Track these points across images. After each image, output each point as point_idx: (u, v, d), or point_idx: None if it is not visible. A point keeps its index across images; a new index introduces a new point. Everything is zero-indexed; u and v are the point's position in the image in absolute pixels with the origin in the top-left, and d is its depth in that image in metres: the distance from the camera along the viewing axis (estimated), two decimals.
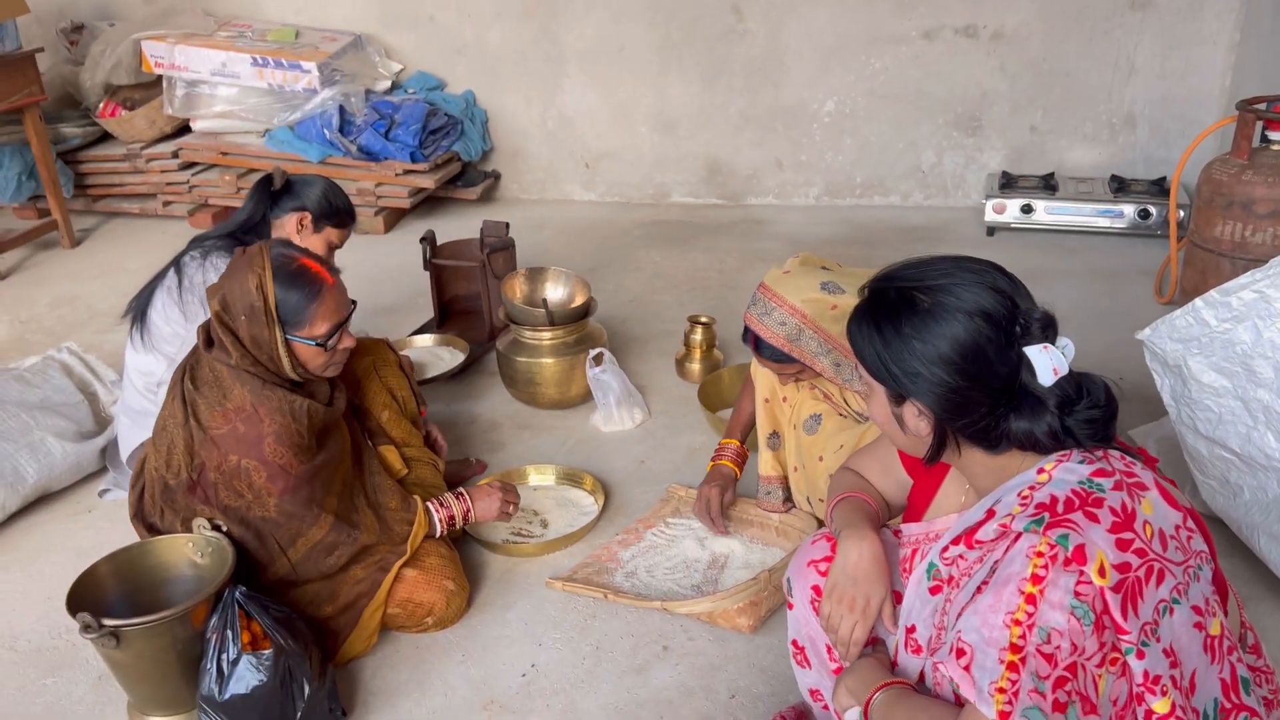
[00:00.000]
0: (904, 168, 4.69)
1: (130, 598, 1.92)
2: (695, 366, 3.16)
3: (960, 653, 1.21)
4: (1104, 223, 4.15)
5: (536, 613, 2.19)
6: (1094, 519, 1.21)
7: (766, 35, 4.59)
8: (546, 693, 1.98)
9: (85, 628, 1.74)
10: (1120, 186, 4.22)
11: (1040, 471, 1.30)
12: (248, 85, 4.68)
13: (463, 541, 2.35)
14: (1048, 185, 4.29)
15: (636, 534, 2.43)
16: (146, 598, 1.92)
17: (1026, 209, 4.18)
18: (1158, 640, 1.20)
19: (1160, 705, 1.19)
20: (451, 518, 2.20)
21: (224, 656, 1.76)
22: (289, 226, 2.59)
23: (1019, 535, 1.23)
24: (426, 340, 3.40)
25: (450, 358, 3.31)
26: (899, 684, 1.37)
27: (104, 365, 3.09)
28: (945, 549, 1.38)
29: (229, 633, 1.77)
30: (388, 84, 4.88)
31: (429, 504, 2.19)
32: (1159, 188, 4.17)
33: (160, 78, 4.80)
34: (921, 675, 1.41)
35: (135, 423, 2.62)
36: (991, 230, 4.28)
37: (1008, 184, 4.34)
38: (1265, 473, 2.07)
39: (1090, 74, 4.35)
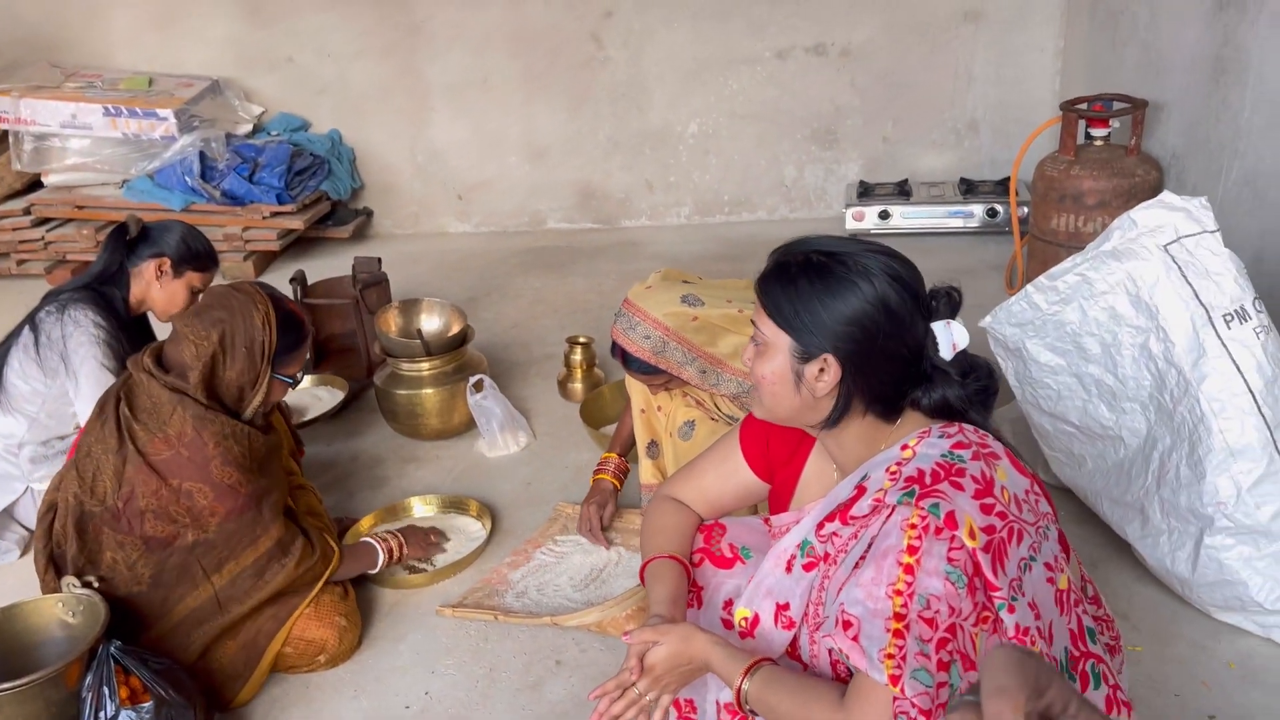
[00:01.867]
0: (768, 183, 4.85)
1: None
2: (577, 386, 3.21)
3: (847, 624, 1.27)
4: (956, 223, 4.38)
5: (428, 642, 2.19)
6: (959, 488, 1.29)
7: (627, 61, 4.71)
8: (441, 719, 1.98)
9: None
10: (969, 188, 4.46)
11: (904, 448, 1.38)
12: (101, 136, 4.54)
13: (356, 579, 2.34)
14: (902, 191, 4.51)
15: (525, 555, 2.46)
16: (16, 663, 1.86)
17: (884, 215, 4.39)
18: (1023, 595, 1.29)
19: None
20: (391, 550, 2.29)
21: (101, 714, 1.72)
22: (148, 274, 2.55)
23: (893, 509, 1.30)
24: (303, 382, 3.36)
25: (329, 397, 3.28)
26: (768, 661, 1.41)
27: None
28: (820, 525, 1.43)
29: (105, 689, 1.73)
30: (249, 127, 4.81)
31: (372, 539, 2.29)
32: (1004, 187, 4.43)
33: (6, 133, 4.63)
34: (792, 649, 1.48)
35: None
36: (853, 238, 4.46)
37: (865, 193, 4.54)
38: (1103, 441, 2.23)
39: (933, 85, 4.60)
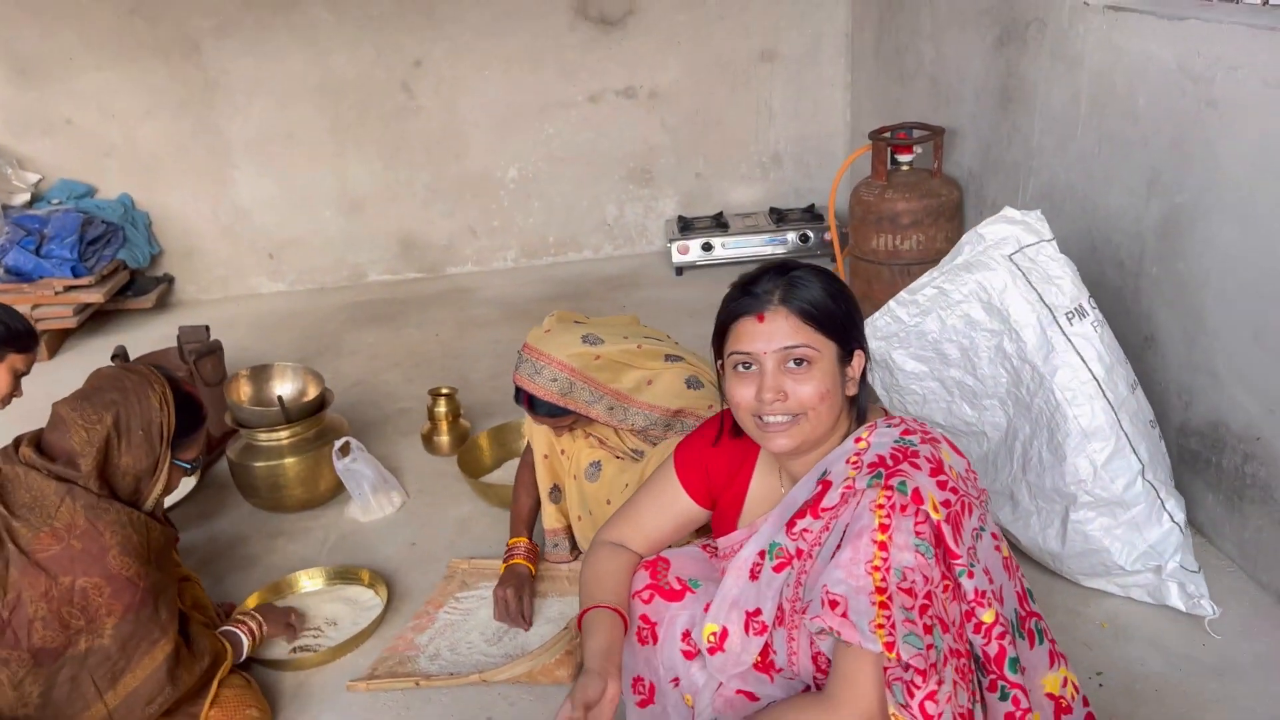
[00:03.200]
0: (591, 223, 4.94)
1: None
2: (444, 439, 3.13)
3: (834, 604, 1.35)
4: (772, 250, 4.63)
5: None
6: (916, 467, 1.42)
7: (440, 110, 4.68)
8: None
9: None
10: (780, 217, 4.73)
11: (858, 440, 1.51)
12: None
13: (250, 666, 2.18)
14: (719, 224, 4.72)
15: (428, 616, 2.37)
16: None
17: (707, 247, 4.57)
18: (978, 561, 1.43)
19: (987, 616, 1.41)
20: (252, 632, 2.13)
21: None
22: None
23: (863, 493, 1.41)
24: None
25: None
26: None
27: None
28: (791, 524, 1.50)
29: None
30: (26, 196, 4.39)
31: (232, 627, 2.08)
32: (811, 214, 4.73)
33: None
34: (763, 656, 1.53)
35: None
36: (680, 270, 4.63)
37: (685, 227, 4.71)
38: (968, 437, 2.43)
39: (738, 122, 4.86)
